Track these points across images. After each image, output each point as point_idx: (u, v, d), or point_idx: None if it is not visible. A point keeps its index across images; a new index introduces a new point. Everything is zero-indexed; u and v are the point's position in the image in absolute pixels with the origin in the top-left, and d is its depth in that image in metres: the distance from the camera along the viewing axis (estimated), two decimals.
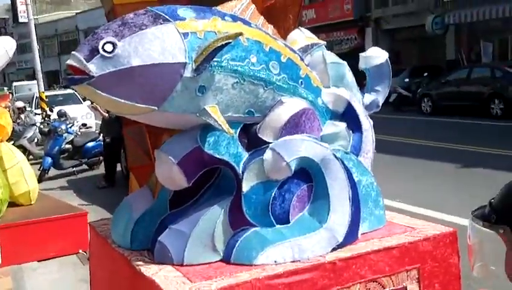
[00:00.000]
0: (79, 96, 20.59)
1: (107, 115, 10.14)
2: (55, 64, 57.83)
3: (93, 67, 2.09)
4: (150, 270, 2.29)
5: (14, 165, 6.50)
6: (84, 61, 2.09)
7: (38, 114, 16.41)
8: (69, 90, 21.82)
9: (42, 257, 6.09)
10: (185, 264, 2.31)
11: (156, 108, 2.19)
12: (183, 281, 2.18)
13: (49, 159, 11.18)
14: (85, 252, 6.23)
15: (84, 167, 11.95)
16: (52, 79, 52.53)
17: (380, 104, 3.02)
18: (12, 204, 6.35)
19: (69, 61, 2.12)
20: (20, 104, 15.05)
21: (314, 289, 2.26)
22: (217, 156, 2.31)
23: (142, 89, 2.16)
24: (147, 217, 2.53)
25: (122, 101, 2.16)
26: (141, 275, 2.29)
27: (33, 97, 20.83)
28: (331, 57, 2.82)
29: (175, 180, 2.33)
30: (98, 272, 2.96)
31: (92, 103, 14.65)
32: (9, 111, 7.41)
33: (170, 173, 2.31)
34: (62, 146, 11.52)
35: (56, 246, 6.17)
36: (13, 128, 7.38)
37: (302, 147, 2.40)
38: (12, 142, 7.17)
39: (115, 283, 2.66)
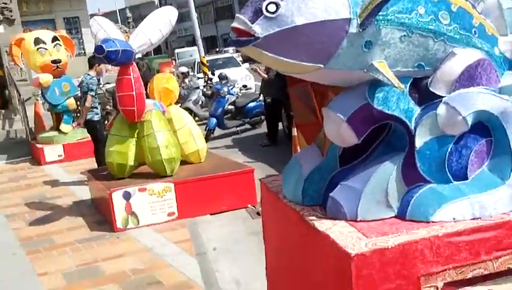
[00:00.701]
0: (238, 60, 21.18)
1: (266, 76, 10.33)
2: (212, 30, 59.92)
3: (258, 29, 2.13)
4: (323, 225, 2.34)
5: (183, 127, 6.94)
6: (249, 23, 2.14)
7: (201, 78, 17.10)
8: (228, 54, 22.54)
9: (214, 211, 6.48)
10: (358, 220, 2.33)
11: (322, 66, 2.20)
12: (359, 237, 2.20)
13: (213, 120, 11.68)
14: (254, 206, 6.53)
15: (247, 126, 12.34)
16: (210, 44, 54.52)
17: None
18: (183, 162, 6.80)
19: (234, 24, 2.18)
20: (183, 69, 15.74)
21: (499, 248, 2.18)
22: (387, 112, 2.29)
23: (307, 47, 2.17)
24: (317, 174, 2.57)
25: (288, 60, 2.19)
26: (315, 230, 2.34)
27: (194, 62, 21.73)
28: (508, 2, 2.64)
29: (344, 138, 2.34)
30: (270, 226, 3.07)
31: (251, 64, 15.03)
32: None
33: (339, 131, 2.32)
34: (225, 107, 11.97)
35: (226, 200, 6.52)
36: (179, 92, 7.78)
37: (478, 100, 2.30)
38: (179, 105, 7.57)
39: (287, 236, 2.76)
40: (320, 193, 2.56)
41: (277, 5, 2.12)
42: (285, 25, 2.13)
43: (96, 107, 8.58)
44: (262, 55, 2.20)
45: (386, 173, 2.33)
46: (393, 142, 2.43)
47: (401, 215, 2.33)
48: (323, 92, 2.57)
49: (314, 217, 2.44)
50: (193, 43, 41.67)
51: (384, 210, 2.34)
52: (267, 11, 2.12)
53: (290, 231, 2.69)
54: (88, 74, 8.46)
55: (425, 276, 2.13)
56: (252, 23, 2.13)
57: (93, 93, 8.41)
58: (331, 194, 2.42)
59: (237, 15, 2.19)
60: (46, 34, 10.81)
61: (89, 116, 8.50)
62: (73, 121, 11.10)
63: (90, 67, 8.49)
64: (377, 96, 2.28)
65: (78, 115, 12.19)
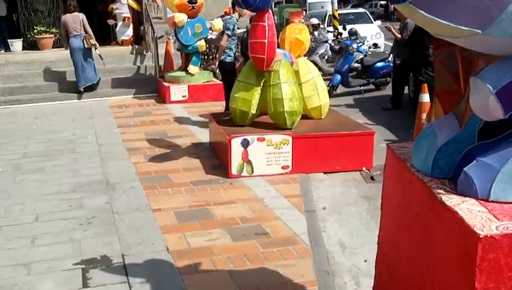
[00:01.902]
0: (370, 16, 20.63)
1: (400, 36, 9.97)
2: None
3: None
4: (451, 201, 2.21)
5: (309, 80, 6.85)
6: None
7: (331, 32, 16.83)
8: (360, 9, 21.96)
9: (329, 170, 6.41)
10: (490, 200, 2.18)
11: (479, 31, 2.02)
12: (489, 218, 2.06)
13: (338, 76, 11.48)
14: (368, 170, 6.39)
15: (371, 86, 12.04)
16: None
17: None
18: (304, 116, 6.74)
19: None
20: (314, 21, 15.51)
21: None
22: None
23: (467, 10, 2.00)
24: (451, 146, 2.42)
25: (444, 22, 2.03)
26: (442, 204, 2.22)
27: (326, 15, 21.40)
28: None
29: (490, 111, 2.16)
30: (391, 193, 2.95)
31: (383, 22, 14.55)
32: None
33: (486, 103, 2.14)
34: (352, 64, 11.72)
35: (342, 160, 6.43)
36: None
37: None
38: (306, 57, 7.47)
39: (409, 206, 2.63)
40: (452, 166, 2.41)
41: None
42: None
43: (231, 49, 8.66)
44: (417, 14, 2.05)
45: None
46: None
47: None
48: (471, 59, 2.39)
49: (442, 191, 2.31)
50: None
51: None
52: None
53: (413, 202, 2.56)
54: (232, 17, 8.55)
55: None
56: None
57: (229, 32, 8.49)
58: (464, 168, 2.26)
59: None
60: None
61: (222, 57, 8.64)
62: (201, 64, 11.32)
63: (234, 11, 8.60)
64: None
65: (206, 57, 12.47)
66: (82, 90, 11.64)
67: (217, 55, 8.91)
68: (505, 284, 1.98)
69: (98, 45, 11.80)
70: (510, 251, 1.96)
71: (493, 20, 2.00)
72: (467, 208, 2.14)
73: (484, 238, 1.94)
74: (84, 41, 11.37)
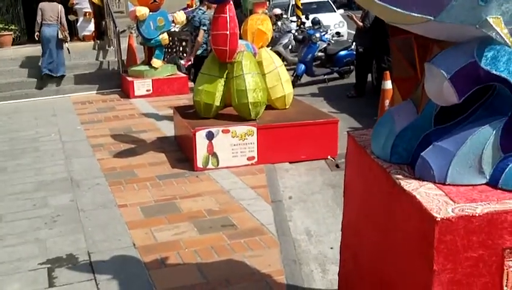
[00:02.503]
0: (332, 5, 20.71)
1: (361, 24, 10.04)
2: None
3: None
4: (410, 186, 2.26)
5: (272, 70, 6.86)
6: None
7: (294, 21, 16.82)
8: None
9: (294, 159, 6.44)
10: (447, 183, 2.24)
11: (432, 18, 2.07)
12: (446, 201, 2.11)
13: (302, 66, 11.51)
14: (333, 158, 6.44)
15: (335, 75, 12.11)
16: None
17: None
18: (268, 107, 6.75)
19: None
20: (277, 11, 15.49)
21: None
22: (495, 73, 2.13)
23: None
24: (409, 132, 2.47)
25: (397, 10, 2.07)
26: (400, 189, 2.26)
27: (289, 4, 21.38)
28: None
29: (445, 96, 2.21)
30: (353, 180, 2.99)
31: (346, 11, 14.65)
32: None
33: (440, 88, 2.19)
34: (315, 54, 11.74)
35: (307, 149, 6.47)
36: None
37: None
38: (269, 48, 7.47)
39: (370, 192, 2.68)
40: (410, 151, 2.46)
41: None
42: None
43: (206, 43, 8.67)
44: (372, 3, 2.09)
45: (483, 137, 2.19)
46: (496, 106, 2.27)
47: (493, 183, 2.21)
48: (426, 46, 2.43)
49: (401, 176, 2.36)
50: None
51: (475, 176, 2.22)
52: None
53: (373, 188, 2.60)
54: (200, 9, 8.52)
55: (510, 249, 2.05)
56: None
57: (205, 28, 8.49)
58: (421, 153, 2.31)
59: None
60: None
61: (199, 52, 8.64)
62: (164, 57, 11.24)
63: (201, 2, 8.56)
64: (485, 55, 2.12)
65: (169, 50, 12.37)
66: (43, 75, 11.64)
67: (193, 51, 8.84)
68: (462, 265, 2.03)
69: (69, 38, 11.95)
70: (466, 232, 2.02)
71: (444, 7, 2.04)
72: (424, 192, 2.19)
73: (441, 221, 2.00)
74: (59, 31, 11.53)
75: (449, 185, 2.23)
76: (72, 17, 13.73)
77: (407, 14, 2.08)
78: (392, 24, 2.36)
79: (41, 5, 11.65)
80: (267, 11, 18.80)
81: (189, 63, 9.49)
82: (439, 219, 1.99)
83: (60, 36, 11.56)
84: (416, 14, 2.07)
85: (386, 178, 2.41)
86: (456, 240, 2.02)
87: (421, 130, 2.43)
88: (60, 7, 11.69)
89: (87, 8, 13.27)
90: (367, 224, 2.73)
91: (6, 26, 13.30)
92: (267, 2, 26.35)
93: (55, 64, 11.72)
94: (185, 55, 12.91)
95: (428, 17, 2.06)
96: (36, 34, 11.72)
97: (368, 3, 2.12)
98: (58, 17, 11.59)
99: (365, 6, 2.23)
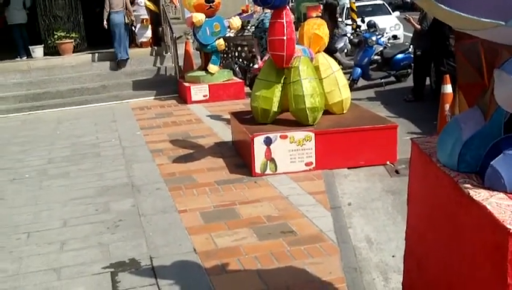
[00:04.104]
0: (388, 7, 20.46)
1: (419, 27, 9.87)
2: None
3: None
4: (479, 196, 2.19)
5: (329, 75, 6.82)
6: None
7: (349, 25, 16.73)
8: (378, 1, 21.77)
9: (352, 165, 6.38)
10: None
11: (502, 23, 2.00)
12: None
13: (358, 70, 11.42)
14: (393, 164, 6.35)
15: (392, 78, 11.96)
16: None
17: None
18: (326, 112, 6.71)
19: None
20: None
21: None
22: None
23: (489, 2, 1.98)
24: (477, 140, 2.39)
25: (465, 15, 2.01)
26: (469, 199, 2.20)
27: (343, 8, 21.25)
28: None
29: None
30: (417, 188, 2.93)
31: (402, 13, 14.45)
32: None
33: (511, 95, 2.12)
34: (371, 57, 11.64)
35: (365, 155, 6.39)
36: None
37: None
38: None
39: (436, 202, 2.62)
40: (478, 160, 2.38)
41: None
42: None
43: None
44: (437, 8, 2.03)
45: None
46: None
47: None
48: (494, 51, 2.35)
49: (469, 185, 2.29)
50: None
51: None
52: None
53: (440, 197, 2.54)
54: (266, 13, 8.50)
55: None
56: None
57: None
58: (491, 162, 2.24)
59: None
60: None
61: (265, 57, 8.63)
62: (220, 62, 11.33)
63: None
64: None
65: (225, 55, 12.45)
66: (119, 60, 12.78)
67: (260, 57, 8.77)
68: None
69: (135, 20, 13.45)
70: None
71: None
72: (495, 202, 2.12)
73: None
74: (125, 16, 12.69)
75: None
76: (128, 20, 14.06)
77: (476, 19, 2.01)
78: (458, 30, 2.30)
79: None
80: (321, 14, 18.77)
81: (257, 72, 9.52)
82: None
83: (127, 21, 12.73)
84: (485, 20, 2.01)
85: (454, 187, 2.35)
86: None
87: (490, 138, 2.36)
88: None
89: (145, 15, 13.53)
90: (433, 233, 2.67)
91: (68, 35, 13.67)
92: (321, 6, 26.33)
93: (124, 49, 12.73)
94: (240, 60, 13.04)
95: (499, 22, 2.00)
96: (105, 23, 12.55)
97: (433, 8, 2.06)
98: (123, 3, 12.67)
99: (429, 12, 2.17)
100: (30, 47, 13.49)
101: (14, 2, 13.26)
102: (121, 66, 12.85)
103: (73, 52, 13.68)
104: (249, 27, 14.03)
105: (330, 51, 9.23)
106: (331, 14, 9.25)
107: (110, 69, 12.88)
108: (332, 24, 9.49)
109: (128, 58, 12.88)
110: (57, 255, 4.55)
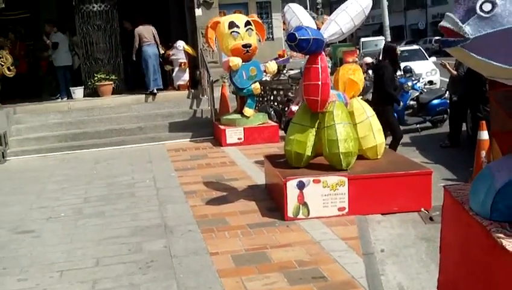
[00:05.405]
0: (424, 53, 20.46)
1: (455, 72, 9.85)
2: (401, 20, 58.34)
3: (469, 29, 2.01)
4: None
5: (364, 120, 6.81)
6: (460, 23, 2.02)
7: None
8: (415, 46, 21.81)
9: (386, 211, 6.30)
10: None
11: None
12: None
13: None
14: (427, 210, 6.26)
15: (428, 124, 11.90)
16: (397, 34, 53.24)
17: None
18: (360, 157, 6.69)
19: (443, 23, 2.07)
20: (368, 59, 15.52)
21: None
22: None
23: None
24: (511, 188, 2.37)
25: (498, 64, 2.03)
26: (501, 248, 2.18)
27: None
28: None
29: None
30: (450, 236, 2.90)
31: (438, 58, 14.43)
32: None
33: None
34: (407, 102, 11.63)
35: (399, 201, 6.32)
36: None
37: None
38: (360, 97, 7.45)
39: (469, 250, 2.58)
40: None
41: (493, 4, 1.98)
42: (499, 26, 1.99)
43: None
44: (470, 58, 2.06)
45: None
46: None
47: None
48: None
49: (502, 235, 2.27)
50: (379, 32, 40.78)
51: None
52: (481, 10, 2.00)
53: (472, 246, 2.51)
54: None
55: None
56: (463, 23, 2.02)
57: None
58: None
59: (447, 14, 2.09)
60: (240, 18, 11.13)
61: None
62: (256, 106, 11.43)
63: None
64: None
65: (260, 99, 12.55)
66: (155, 91, 13.43)
67: (295, 101, 8.81)
68: None
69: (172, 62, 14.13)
70: None
71: None
72: None
73: None
74: (159, 48, 13.54)
75: None
76: (167, 67, 14.36)
77: (506, 68, 2.03)
78: (490, 78, 2.31)
79: (138, 29, 13.39)
80: (357, 59, 18.86)
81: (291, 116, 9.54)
82: None
83: (161, 51, 13.55)
84: None
85: (486, 237, 2.33)
86: None
87: None
88: (152, 28, 13.54)
89: (183, 59, 13.81)
90: (466, 282, 2.63)
91: (107, 77, 14.02)
92: (357, 51, 26.44)
93: (159, 80, 13.51)
94: (275, 104, 13.14)
95: None
96: (133, 56, 13.43)
97: (465, 57, 2.09)
98: (154, 37, 13.44)
99: (462, 60, 2.20)
100: (71, 88, 13.89)
101: (63, 45, 13.99)
102: (152, 98, 13.40)
103: (112, 93, 14.00)
104: (284, 71, 14.20)
105: (394, 99, 9.23)
106: (392, 58, 9.19)
107: (147, 110, 13.12)
108: (395, 68, 9.46)
109: (161, 88, 13.64)
110: None
